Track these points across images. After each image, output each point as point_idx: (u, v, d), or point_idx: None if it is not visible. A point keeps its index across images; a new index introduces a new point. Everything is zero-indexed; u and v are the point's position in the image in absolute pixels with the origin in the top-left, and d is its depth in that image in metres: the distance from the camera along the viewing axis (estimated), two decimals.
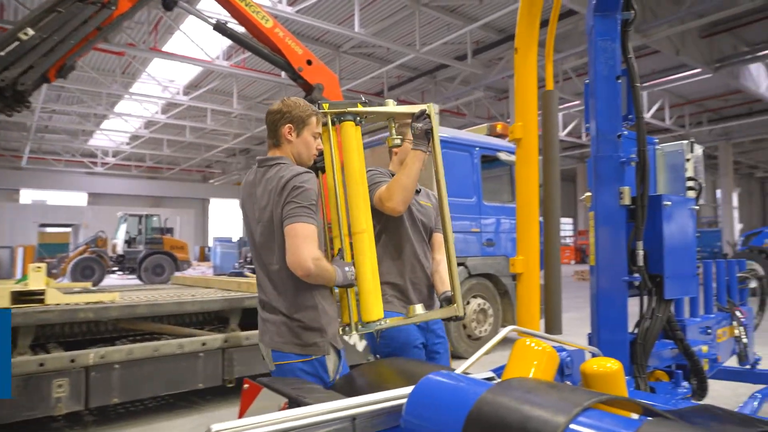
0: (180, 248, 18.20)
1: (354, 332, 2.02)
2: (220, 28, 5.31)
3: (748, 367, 3.70)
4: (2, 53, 3.88)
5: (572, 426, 1.01)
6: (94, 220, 23.42)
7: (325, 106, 2.11)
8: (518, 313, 2.72)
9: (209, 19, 5.39)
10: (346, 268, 1.98)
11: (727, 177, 23.24)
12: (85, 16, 4.18)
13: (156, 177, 31.88)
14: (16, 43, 3.92)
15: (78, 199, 29.30)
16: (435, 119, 2.21)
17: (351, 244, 2.07)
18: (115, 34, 9.24)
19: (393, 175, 2.42)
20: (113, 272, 17.75)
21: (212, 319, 5.17)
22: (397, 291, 2.41)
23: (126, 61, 14.84)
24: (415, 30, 12.28)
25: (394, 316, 2.13)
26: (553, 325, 2.62)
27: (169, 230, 20.02)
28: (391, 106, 2.23)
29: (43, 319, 3.72)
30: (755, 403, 2.75)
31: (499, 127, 7.14)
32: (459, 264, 5.96)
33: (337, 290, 2.09)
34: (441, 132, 5.08)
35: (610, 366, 1.69)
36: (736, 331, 3.59)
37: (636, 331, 2.67)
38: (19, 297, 3.80)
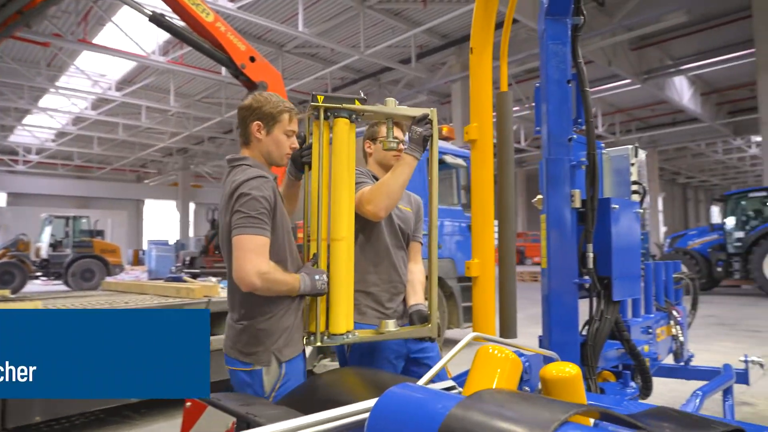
0: (111, 252, 17.41)
1: (318, 343, 1.89)
2: (158, 20, 5.03)
3: (682, 363, 3.88)
4: None
5: None
6: (15, 222, 21.96)
7: (320, 98, 1.94)
8: (474, 316, 2.69)
9: (145, 10, 5.09)
10: (316, 276, 1.86)
11: (653, 183, 24.75)
12: None
13: (85, 177, 30.17)
14: None
15: None
16: (436, 126, 2.09)
17: (328, 249, 1.93)
18: (38, 21, 8.61)
19: (374, 176, 2.30)
20: (36, 278, 16.70)
21: None
22: (371, 300, 2.27)
23: (51, 52, 13.94)
24: (360, 32, 12.25)
25: (366, 328, 2.01)
26: (508, 329, 2.60)
27: (100, 233, 19.01)
28: (391, 106, 2.09)
29: None
30: (697, 401, 2.84)
31: (444, 130, 7.18)
32: None
33: (307, 297, 1.96)
34: None
35: (569, 371, 1.68)
36: (674, 330, 3.75)
37: (585, 332, 2.70)
38: None
